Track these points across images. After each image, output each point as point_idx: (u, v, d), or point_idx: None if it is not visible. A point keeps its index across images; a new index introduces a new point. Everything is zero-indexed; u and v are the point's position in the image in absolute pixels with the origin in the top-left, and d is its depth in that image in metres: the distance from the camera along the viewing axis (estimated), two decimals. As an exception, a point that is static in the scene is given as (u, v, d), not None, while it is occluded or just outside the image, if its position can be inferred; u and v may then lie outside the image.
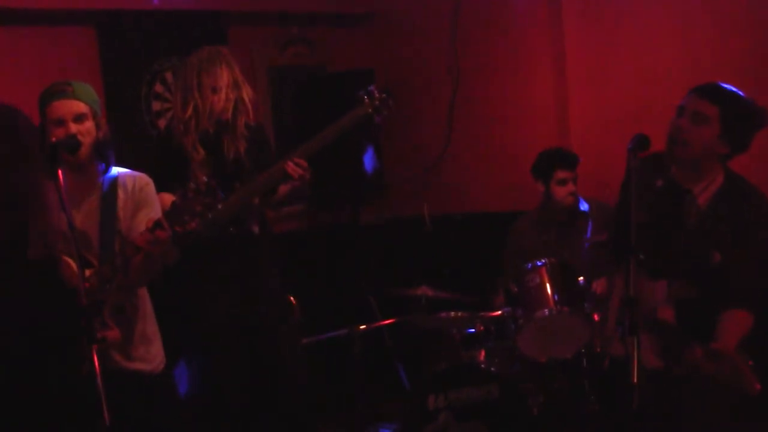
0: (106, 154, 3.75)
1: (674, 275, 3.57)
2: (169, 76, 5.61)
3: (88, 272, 3.49)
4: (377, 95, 4.53)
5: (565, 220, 5.20)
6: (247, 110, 4.54)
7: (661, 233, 3.52)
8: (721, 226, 3.51)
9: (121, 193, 3.76)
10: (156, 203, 3.80)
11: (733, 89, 3.56)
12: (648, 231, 3.36)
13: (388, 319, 5.35)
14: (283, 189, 4.61)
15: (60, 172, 3.35)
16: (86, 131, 3.64)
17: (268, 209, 4.73)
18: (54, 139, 3.51)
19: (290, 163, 4.36)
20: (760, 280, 3.49)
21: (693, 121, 3.49)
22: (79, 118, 3.63)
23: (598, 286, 4.78)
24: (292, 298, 4.92)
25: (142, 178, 3.84)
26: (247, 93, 4.53)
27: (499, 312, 4.95)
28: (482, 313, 5.00)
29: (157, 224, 3.51)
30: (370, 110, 4.51)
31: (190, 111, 4.42)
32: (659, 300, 3.58)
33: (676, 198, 3.59)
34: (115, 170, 3.80)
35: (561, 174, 5.12)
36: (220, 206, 3.79)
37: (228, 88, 4.46)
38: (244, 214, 4.50)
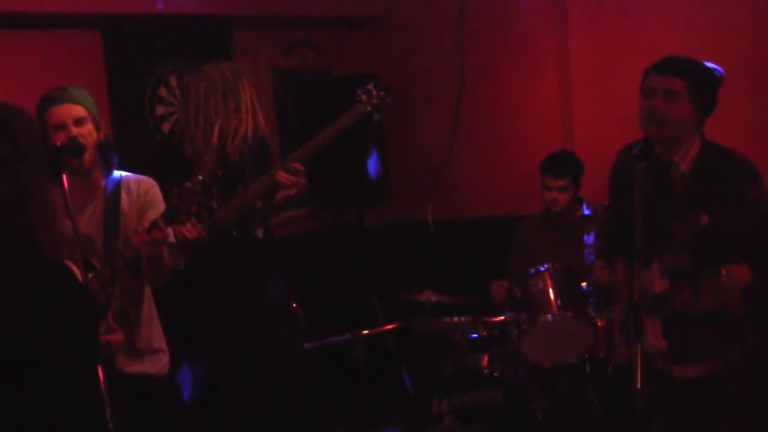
0: (108, 155, 3.76)
1: (664, 247, 3.57)
2: (173, 80, 5.62)
3: (91, 275, 3.51)
4: (375, 93, 4.55)
5: (563, 224, 5.22)
6: (261, 130, 4.55)
7: (653, 216, 3.51)
8: (706, 187, 3.53)
9: (125, 196, 3.76)
10: (161, 205, 3.79)
11: (686, 57, 3.62)
12: (641, 216, 3.35)
13: (391, 323, 5.35)
14: (281, 194, 4.61)
15: (64, 176, 3.37)
16: (87, 133, 3.64)
17: (269, 215, 4.74)
18: (58, 143, 3.53)
19: (281, 174, 4.36)
20: (754, 233, 3.50)
21: (666, 99, 3.51)
22: (78, 122, 3.63)
23: (602, 274, 4.74)
24: (295, 305, 4.91)
25: (147, 180, 3.85)
26: (261, 112, 4.56)
27: (503, 317, 4.95)
28: (486, 318, 4.99)
29: (153, 224, 3.51)
30: (369, 108, 4.53)
31: (215, 135, 4.42)
32: (655, 279, 3.58)
33: (661, 172, 3.60)
34: (119, 174, 3.81)
35: (547, 180, 5.20)
36: (215, 205, 3.81)
37: (249, 110, 4.48)
38: (248, 218, 4.51)
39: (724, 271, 3.40)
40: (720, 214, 3.48)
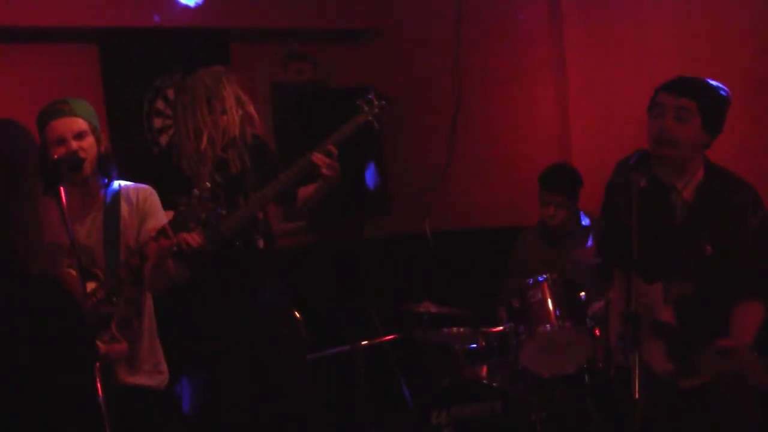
0: (108, 168, 3.77)
1: (669, 274, 3.58)
2: (170, 93, 5.62)
3: (93, 285, 3.52)
4: (376, 102, 4.57)
5: (560, 238, 5.23)
6: (253, 121, 4.57)
7: (651, 234, 3.51)
8: (709, 217, 3.52)
9: (124, 205, 3.78)
10: (160, 212, 3.83)
11: (697, 78, 3.59)
12: (638, 234, 3.35)
13: (390, 335, 5.35)
14: (304, 193, 4.63)
15: (62, 189, 3.37)
16: (88, 147, 3.66)
17: (291, 218, 4.74)
18: (55, 156, 3.53)
19: (317, 155, 4.38)
20: (760, 266, 3.50)
21: (676, 118, 3.49)
22: (79, 136, 3.65)
23: (596, 307, 4.77)
24: (297, 314, 4.92)
25: (146, 189, 3.87)
26: (250, 104, 4.57)
27: (501, 328, 4.94)
28: (484, 329, 4.99)
29: (161, 232, 3.52)
30: (369, 117, 4.55)
31: (204, 143, 4.44)
32: (658, 303, 3.59)
33: (661, 196, 3.59)
34: (117, 183, 3.82)
35: (544, 195, 5.21)
36: (223, 212, 3.84)
37: (235, 107, 4.49)
38: (249, 229, 4.52)
39: (739, 347, 3.38)
40: (723, 244, 3.48)
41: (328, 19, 6.43)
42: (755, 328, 3.46)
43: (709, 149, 3.64)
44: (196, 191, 3.53)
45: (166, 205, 3.91)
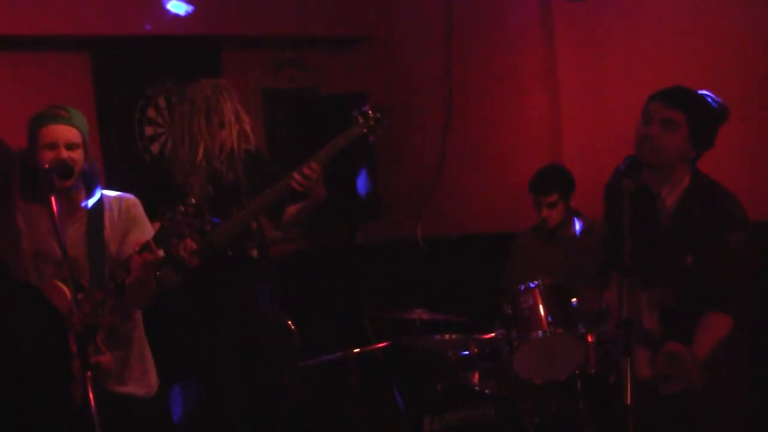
0: (92, 181, 3.73)
1: (654, 282, 3.59)
2: (161, 101, 5.62)
3: (80, 296, 3.50)
4: (372, 115, 4.57)
5: (558, 239, 5.25)
6: (248, 138, 4.58)
7: (640, 240, 3.51)
8: (690, 227, 3.52)
9: (107, 216, 3.74)
10: (145, 223, 3.80)
11: (695, 91, 3.58)
12: (629, 239, 3.35)
13: (382, 341, 5.34)
14: (292, 209, 4.63)
15: (53, 198, 3.36)
16: (77, 159, 3.63)
17: (278, 231, 4.75)
18: (47, 165, 3.51)
19: (296, 175, 4.38)
20: (735, 281, 3.49)
21: (662, 128, 3.49)
22: (70, 146, 3.60)
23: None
24: (290, 323, 4.91)
25: (129, 199, 3.83)
26: (247, 121, 4.57)
27: (494, 334, 4.94)
28: (477, 335, 4.99)
29: (145, 247, 3.51)
30: (365, 130, 4.56)
31: (200, 154, 4.44)
32: (644, 309, 3.60)
33: (648, 203, 3.60)
34: (100, 193, 3.77)
35: (536, 199, 5.28)
36: (208, 228, 3.82)
37: (233, 123, 4.50)
38: (243, 238, 4.52)
39: (680, 351, 3.41)
40: (702, 257, 3.48)
41: (319, 26, 6.44)
42: (714, 342, 3.44)
43: (713, 149, 3.64)
44: (181, 207, 3.52)
45: (156, 215, 3.90)
